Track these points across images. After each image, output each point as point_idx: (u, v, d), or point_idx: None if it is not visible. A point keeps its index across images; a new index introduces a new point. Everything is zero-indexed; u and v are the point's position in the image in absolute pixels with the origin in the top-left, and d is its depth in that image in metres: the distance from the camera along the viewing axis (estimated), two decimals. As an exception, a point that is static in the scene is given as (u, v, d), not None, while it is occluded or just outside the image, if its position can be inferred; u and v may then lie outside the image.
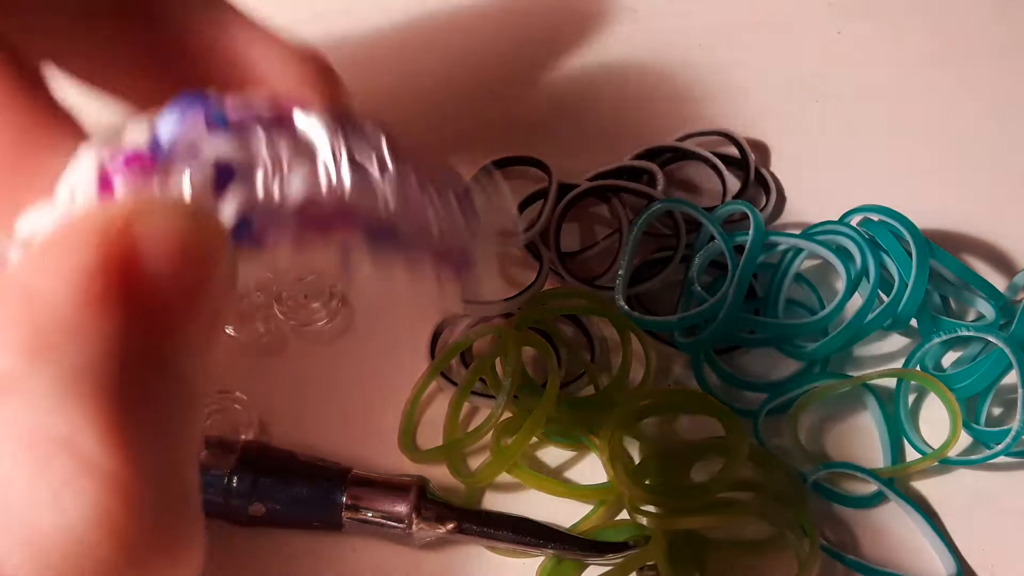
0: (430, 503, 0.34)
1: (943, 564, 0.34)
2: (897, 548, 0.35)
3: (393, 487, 0.34)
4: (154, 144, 0.21)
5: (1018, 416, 0.34)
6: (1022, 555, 0.35)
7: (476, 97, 0.39)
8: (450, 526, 0.34)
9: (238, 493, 0.34)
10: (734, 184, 0.42)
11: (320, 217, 0.23)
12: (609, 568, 0.33)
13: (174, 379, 0.20)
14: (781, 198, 0.43)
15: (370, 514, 0.34)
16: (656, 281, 0.39)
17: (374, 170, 0.23)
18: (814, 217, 0.40)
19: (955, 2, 0.49)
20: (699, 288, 0.38)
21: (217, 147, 0.22)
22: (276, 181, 0.22)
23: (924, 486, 0.36)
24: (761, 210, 0.41)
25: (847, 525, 0.35)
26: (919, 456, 0.36)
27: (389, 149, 0.23)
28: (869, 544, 0.35)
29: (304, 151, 0.23)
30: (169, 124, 0.21)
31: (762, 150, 0.44)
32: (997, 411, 0.37)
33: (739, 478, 0.34)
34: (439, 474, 0.36)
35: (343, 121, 0.23)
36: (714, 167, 0.43)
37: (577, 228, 0.42)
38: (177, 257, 0.20)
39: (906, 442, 0.37)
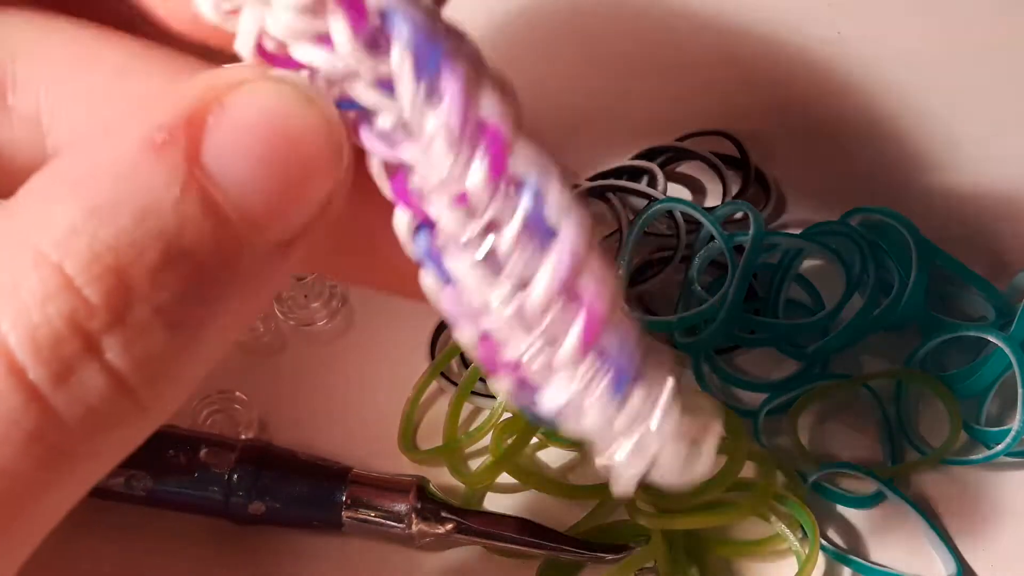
0: (430, 503, 0.34)
1: (943, 564, 0.34)
2: (897, 548, 0.35)
3: (393, 487, 0.34)
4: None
5: (1018, 416, 0.34)
6: (1022, 555, 0.35)
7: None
8: (449, 526, 0.34)
9: (238, 492, 0.34)
10: (734, 184, 0.42)
11: None
12: (608, 569, 0.33)
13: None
14: (781, 198, 0.43)
15: (370, 514, 0.34)
16: (656, 281, 0.39)
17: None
18: (814, 217, 0.40)
19: (956, 1, 0.49)
20: (699, 288, 0.38)
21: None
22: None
23: (924, 486, 0.36)
24: (761, 210, 0.41)
25: (847, 525, 0.35)
26: (919, 456, 0.36)
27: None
28: (869, 544, 0.35)
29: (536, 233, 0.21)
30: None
31: (762, 150, 0.44)
32: (997, 411, 0.37)
33: (739, 478, 0.34)
34: (439, 474, 0.36)
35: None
36: (714, 167, 0.42)
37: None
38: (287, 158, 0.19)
39: (906, 442, 0.37)
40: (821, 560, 0.34)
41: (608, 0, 0.49)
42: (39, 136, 0.22)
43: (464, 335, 0.22)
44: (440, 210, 0.21)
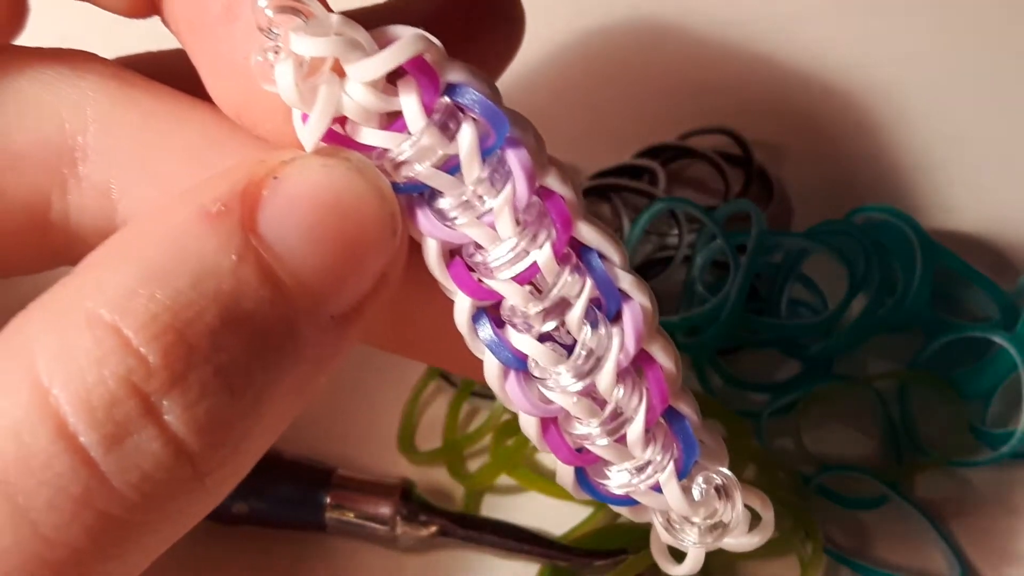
0: (414, 505, 0.34)
1: (948, 567, 0.34)
2: (901, 551, 0.35)
3: (377, 488, 0.34)
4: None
5: (1023, 417, 0.34)
6: (1028, 558, 0.35)
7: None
8: (433, 529, 0.34)
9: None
10: (737, 183, 0.42)
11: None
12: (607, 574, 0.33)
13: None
14: (784, 197, 0.43)
15: (353, 515, 0.34)
16: (657, 281, 0.39)
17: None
18: (817, 216, 0.40)
19: (958, 1, 0.48)
20: (701, 288, 0.37)
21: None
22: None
23: (929, 488, 0.36)
24: (764, 209, 0.41)
25: (851, 527, 0.35)
26: (923, 458, 0.36)
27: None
28: (873, 547, 0.35)
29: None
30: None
31: (765, 149, 0.44)
32: (1001, 412, 0.37)
33: (740, 480, 0.34)
34: (439, 475, 0.36)
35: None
36: (716, 166, 0.42)
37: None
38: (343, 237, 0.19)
39: (910, 444, 0.36)
40: (824, 562, 0.34)
41: (610, 0, 0.49)
42: (109, 206, 0.22)
43: (529, 422, 0.22)
44: (505, 289, 0.21)
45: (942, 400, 0.36)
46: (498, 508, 0.35)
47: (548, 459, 0.36)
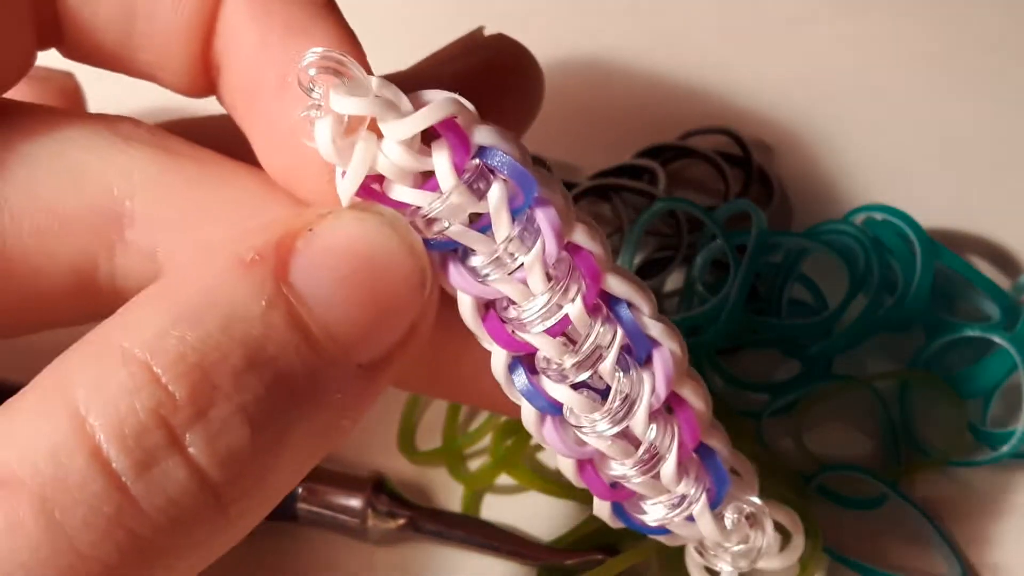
0: (385, 498, 0.34)
1: (948, 568, 0.34)
2: (902, 551, 0.35)
3: (349, 481, 0.34)
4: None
5: (1023, 417, 0.34)
6: (1028, 558, 0.34)
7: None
8: (401, 522, 0.34)
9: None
10: (737, 183, 0.42)
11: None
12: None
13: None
14: (784, 197, 0.43)
15: (325, 506, 0.34)
16: (657, 281, 0.39)
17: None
18: (817, 216, 0.40)
19: (958, 1, 0.48)
20: (701, 288, 0.37)
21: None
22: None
23: (929, 488, 0.36)
24: (764, 209, 0.41)
25: (851, 528, 0.35)
26: (923, 458, 0.36)
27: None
28: (873, 547, 0.35)
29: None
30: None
31: (765, 149, 0.44)
32: (1002, 412, 0.37)
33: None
34: (438, 475, 0.36)
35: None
36: (716, 166, 0.42)
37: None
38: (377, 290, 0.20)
39: (910, 444, 0.36)
40: (824, 563, 0.34)
41: (611, 0, 0.49)
42: (154, 269, 0.23)
43: (566, 463, 0.23)
44: (539, 342, 0.22)
45: (942, 400, 0.36)
46: (498, 508, 0.35)
47: (548, 459, 0.36)
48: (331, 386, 0.20)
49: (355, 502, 0.34)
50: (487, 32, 0.31)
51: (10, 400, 0.20)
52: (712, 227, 0.38)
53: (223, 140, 0.24)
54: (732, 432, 0.34)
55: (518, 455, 0.35)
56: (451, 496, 0.35)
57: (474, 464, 0.36)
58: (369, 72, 0.21)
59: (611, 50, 0.47)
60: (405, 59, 0.30)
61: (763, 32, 0.48)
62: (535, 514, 0.34)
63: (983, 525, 0.35)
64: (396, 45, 0.32)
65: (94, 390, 0.19)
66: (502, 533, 0.34)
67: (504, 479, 0.35)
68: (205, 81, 0.24)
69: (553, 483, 0.35)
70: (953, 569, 0.34)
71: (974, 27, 0.47)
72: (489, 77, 0.30)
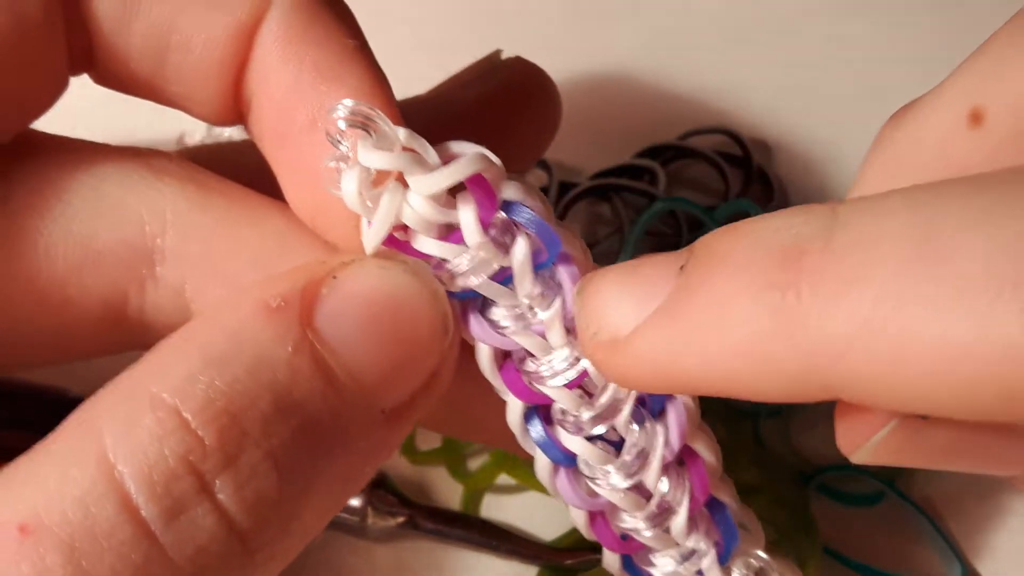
0: (385, 496, 0.34)
1: (946, 565, 0.34)
2: (901, 549, 0.35)
3: None
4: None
5: (1022, 417, 0.34)
6: (1026, 557, 0.35)
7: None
8: (401, 519, 0.34)
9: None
10: (737, 183, 0.42)
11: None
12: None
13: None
14: (784, 197, 0.43)
15: None
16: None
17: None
18: (817, 216, 0.40)
19: (959, 2, 0.48)
20: (700, 288, 0.37)
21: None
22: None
23: (927, 486, 0.36)
24: (764, 209, 0.41)
25: (849, 526, 0.35)
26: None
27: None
28: (871, 545, 0.35)
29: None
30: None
31: (765, 149, 0.44)
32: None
33: (740, 480, 0.34)
34: (438, 475, 0.36)
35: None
36: (716, 166, 0.42)
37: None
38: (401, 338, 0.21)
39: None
40: (823, 561, 0.34)
41: (609, 0, 0.49)
42: (183, 304, 0.23)
43: (578, 515, 0.23)
44: (556, 394, 0.22)
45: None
46: (498, 507, 0.35)
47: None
48: (356, 431, 0.20)
49: (355, 499, 0.34)
50: (504, 55, 0.32)
51: (38, 445, 0.19)
52: (712, 227, 0.38)
53: (251, 167, 0.24)
54: (731, 432, 0.34)
55: (517, 455, 0.35)
56: (451, 495, 0.35)
57: (474, 464, 0.36)
58: (398, 122, 0.21)
59: (611, 51, 0.47)
60: (411, 74, 0.30)
61: (763, 33, 0.48)
62: (534, 514, 0.34)
63: (982, 523, 0.35)
64: (402, 64, 0.32)
65: (123, 436, 0.19)
66: (501, 532, 0.34)
67: (503, 479, 0.35)
68: (234, 114, 0.24)
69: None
70: (952, 567, 0.34)
71: (974, 27, 0.47)
72: (508, 100, 0.30)
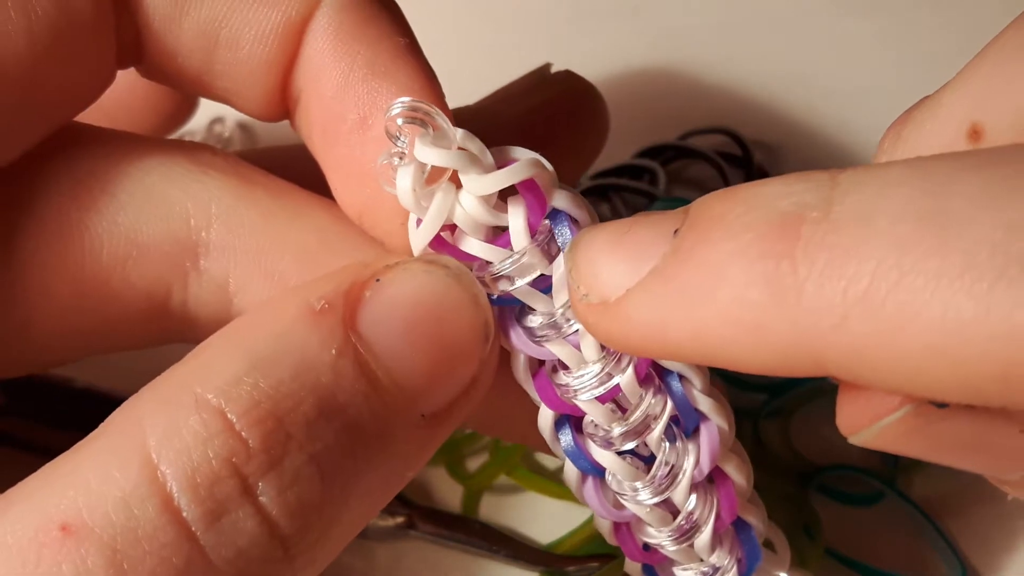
0: None
1: (947, 565, 0.34)
2: (901, 549, 0.35)
3: None
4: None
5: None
6: (1026, 557, 0.34)
7: (476, 96, 0.39)
8: (400, 520, 0.34)
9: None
10: (737, 183, 0.42)
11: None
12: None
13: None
14: (784, 197, 0.42)
15: None
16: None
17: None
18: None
19: (963, 1, 0.48)
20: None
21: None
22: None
23: (927, 486, 0.36)
24: (763, 209, 0.41)
25: (849, 526, 0.35)
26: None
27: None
28: (871, 545, 0.35)
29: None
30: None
31: (765, 148, 0.44)
32: (1001, 412, 0.37)
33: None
34: (438, 475, 0.36)
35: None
36: (716, 166, 0.42)
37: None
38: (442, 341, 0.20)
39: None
40: (823, 561, 0.34)
41: (609, 0, 0.49)
42: (226, 299, 0.23)
43: (603, 523, 0.23)
44: (588, 408, 0.22)
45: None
46: (497, 508, 0.35)
47: (548, 460, 0.37)
48: (397, 435, 0.20)
49: None
50: (554, 69, 0.32)
51: (79, 444, 0.19)
52: (711, 227, 0.38)
53: (298, 167, 0.24)
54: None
55: (517, 456, 0.35)
56: (450, 496, 0.35)
57: (473, 464, 0.36)
58: (455, 124, 0.21)
59: (611, 51, 0.47)
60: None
61: (763, 32, 0.48)
62: (533, 515, 0.34)
63: (982, 523, 0.35)
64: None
65: (166, 437, 0.19)
66: (502, 537, 0.34)
67: (503, 480, 0.35)
68: (282, 110, 0.24)
69: (552, 484, 0.35)
70: (952, 567, 0.34)
71: (975, 27, 0.47)
72: (558, 114, 0.30)
